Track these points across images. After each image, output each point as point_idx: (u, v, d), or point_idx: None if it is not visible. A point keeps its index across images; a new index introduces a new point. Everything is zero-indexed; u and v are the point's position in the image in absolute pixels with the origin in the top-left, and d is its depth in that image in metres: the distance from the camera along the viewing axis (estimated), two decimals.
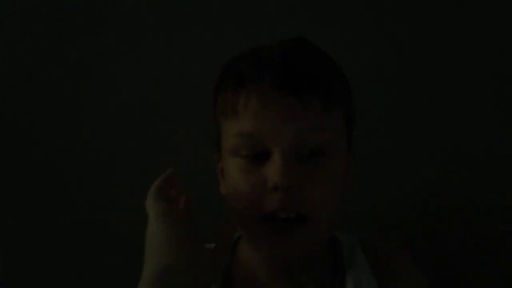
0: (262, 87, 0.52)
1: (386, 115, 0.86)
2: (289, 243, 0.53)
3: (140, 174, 0.88)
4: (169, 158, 0.89)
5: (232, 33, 0.90)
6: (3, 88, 0.92)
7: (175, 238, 0.49)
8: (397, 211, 0.85)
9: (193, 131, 0.88)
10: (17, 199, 0.90)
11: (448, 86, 0.86)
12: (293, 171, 0.51)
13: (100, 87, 0.91)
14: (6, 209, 0.90)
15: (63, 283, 0.89)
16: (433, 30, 0.86)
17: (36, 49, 0.92)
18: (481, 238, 0.83)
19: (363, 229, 0.84)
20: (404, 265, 0.63)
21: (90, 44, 0.91)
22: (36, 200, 0.90)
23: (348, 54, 0.87)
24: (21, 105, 0.91)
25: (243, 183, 0.53)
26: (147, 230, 0.52)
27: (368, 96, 0.85)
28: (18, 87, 0.92)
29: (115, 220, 0.88)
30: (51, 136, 0.91)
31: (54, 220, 0.89)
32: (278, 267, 0.59)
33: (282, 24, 0.89)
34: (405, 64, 0.87)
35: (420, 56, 0.86)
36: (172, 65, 0.90)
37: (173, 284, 0.47)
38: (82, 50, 0.91)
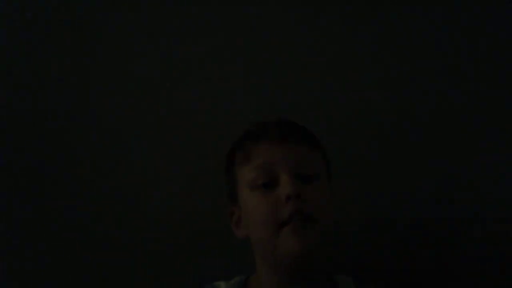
0: (269, 140, 0.72)
1: (386, 116, 0.87)
2: (303, 239, 0.66)
3: (139, 174, 0.89)
4: (169, 158, 0.88)
5: (232, 33, 0.90)
6: (3, 88, 0.92)
7: None
8: (397, 215, 0.85)
9: (193, 131, 0.88)
10: (17, 199, 0.90)
11: (449, 85, 0.86)
12: (298, 185, 0.68)
13: (99, 87, 0.91)
14: (6, 209, 0.90)
15: (63, 283, 0.89)
16: (433, 30, 0.86)
17: (36, 49, 0.92)
18: (481, 241, 0.83)
19: (363, 234, 0.85)
20: None
21: (90, 44, 0.91)
22: (35, 200, 0.90)
23: (348, 54, 0.88)
24: (21, 105, 0.91)
25: (263, 204, 0.69)
26: None
27: (368, 97, 0.86)
28: (18, 87, 0.92)
29: (115, 220, 0.88)
30: (51, 136, 0.91)
31: (54, 220, 0.89)
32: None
33: (282, 24, 0.89)
34: (405, 64, 0.87)
35: (420, 56, 0.86)
36: (172, 65, 0.90)
37: None
38: (82, 50, 0.91)
